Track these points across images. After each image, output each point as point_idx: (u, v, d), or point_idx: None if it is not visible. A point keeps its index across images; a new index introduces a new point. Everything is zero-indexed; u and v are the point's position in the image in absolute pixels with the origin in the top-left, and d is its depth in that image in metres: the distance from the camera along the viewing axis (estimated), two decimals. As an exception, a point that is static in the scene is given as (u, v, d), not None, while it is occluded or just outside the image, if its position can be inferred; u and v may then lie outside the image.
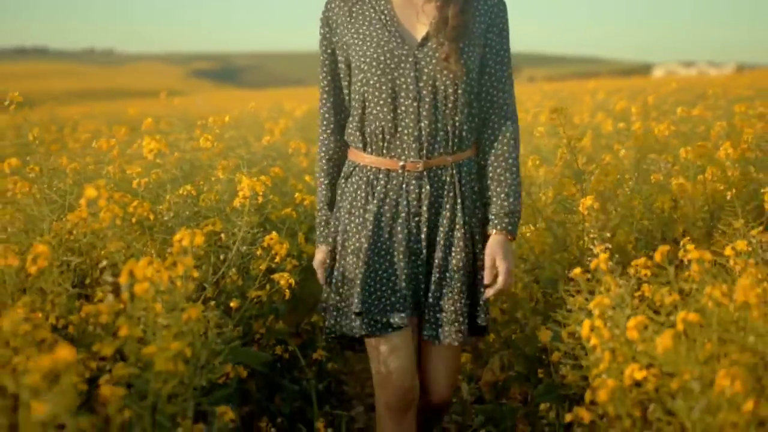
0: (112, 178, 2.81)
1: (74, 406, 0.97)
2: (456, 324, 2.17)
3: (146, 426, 1.00)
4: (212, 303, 2.14)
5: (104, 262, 1.94)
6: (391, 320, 2.16)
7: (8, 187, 2.35)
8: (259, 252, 2.54)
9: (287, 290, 2.48)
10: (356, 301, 2.15)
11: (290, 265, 2.67)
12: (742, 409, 1.27)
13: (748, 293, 1.62)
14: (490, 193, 2.22)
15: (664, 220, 2.78)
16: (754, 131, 3.55)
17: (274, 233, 2.53)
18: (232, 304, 2.41)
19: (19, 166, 2.62)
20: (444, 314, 2.17)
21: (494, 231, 2.21)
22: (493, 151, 2.22)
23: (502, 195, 2.21)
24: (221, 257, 2.44)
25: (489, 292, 2.20)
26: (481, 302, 2.23)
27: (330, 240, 2.29)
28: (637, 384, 1.65)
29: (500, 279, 2.19)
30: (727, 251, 2.02)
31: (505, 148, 2.22)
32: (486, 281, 2.20)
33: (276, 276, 2.48)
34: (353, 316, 2.16)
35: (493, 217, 2.22)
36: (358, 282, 2.15)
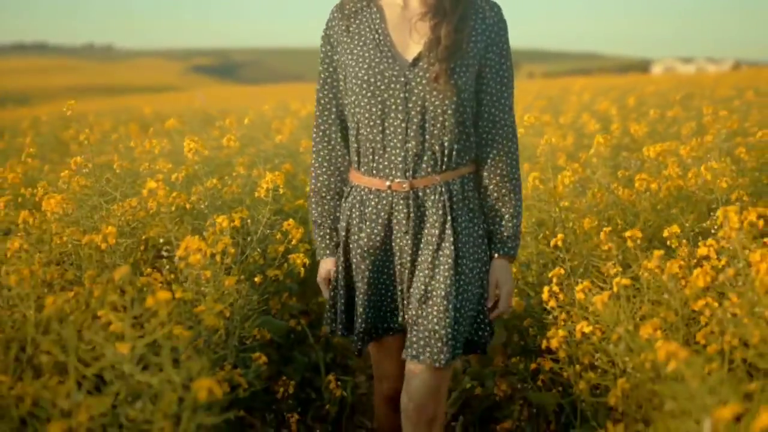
0: (153, 173, 3.24)
1: (169, 329, 1.40)
2: (439, 344, 2.12)
3: (204, 363, 1.39)
4: (242, 277, 2.56)
5: (161, 240, 2.38)
6: (389, 325, 2.25)
7: (66, 181, 2.80)
8: (278, 236, 2.99)
9: (302, 268, 2.91)
10: (361, 318, 2.21)
11: (303, 248, 3.09)
12: (655, 347, 1.69)
13: (674, 266, 2.06)
14: (492, 214, 2.23)
15: (628, 211, 3.20)
16: (717, 132, 4.00)
17: (290, 220, 2.97)
18: (256, 279, 2.85)
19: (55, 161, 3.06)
20: (426, 333, 2.14)
21: (496, 255, 2.23)
22: (493, 170, 2.22)
23: (506, 217, 2.23)
24: (247, 239, 2.87)
25: (493, 314, 2.24)
26: (478, 320, 2.23)
27: (329, 252, 2.33)
28: (587, 337, 2.09)
29: (501, 303, 2.23)
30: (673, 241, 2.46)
31: (507, 168, 2.22)
32: (488, 304, 2.23)
33: (293, 256, 2.92)
34: (357, 332, 2.23)
35: (496, 241, 2.23)
36: (362, 301, 2.21)
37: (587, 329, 2.05)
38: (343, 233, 2.25)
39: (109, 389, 1.44)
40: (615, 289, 1.96)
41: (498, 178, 2.22)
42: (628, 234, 2.33)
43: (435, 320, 2.12)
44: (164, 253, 2.31)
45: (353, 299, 2.26)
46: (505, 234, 2.23)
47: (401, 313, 2.21)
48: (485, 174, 2.23)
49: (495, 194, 2.23)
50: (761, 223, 2.04)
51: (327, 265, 2.33)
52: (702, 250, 2.16)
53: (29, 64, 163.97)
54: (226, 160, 4.01)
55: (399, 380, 2.31)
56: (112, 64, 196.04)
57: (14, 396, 1.44)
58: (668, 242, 2.47)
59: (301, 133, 5.92)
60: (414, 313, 2.16)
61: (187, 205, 2.82)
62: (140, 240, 2.64)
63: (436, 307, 2.13)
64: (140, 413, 1.37)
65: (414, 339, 2.15)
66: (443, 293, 2.12)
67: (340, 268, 2.26)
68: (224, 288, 2.21)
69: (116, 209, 2.68)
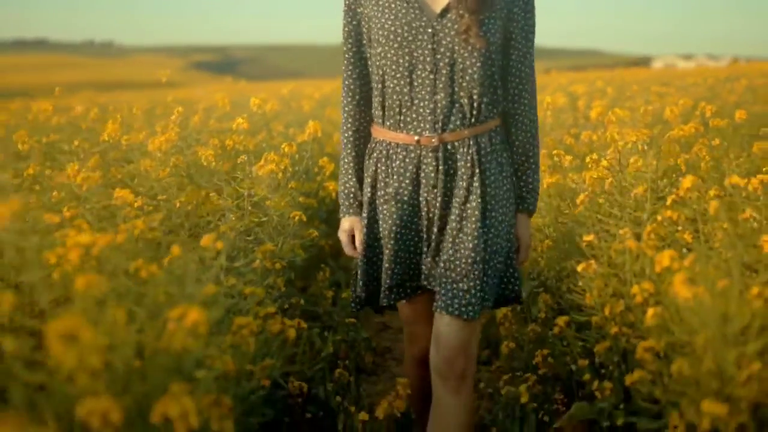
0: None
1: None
2: (467, 296, 2.11)
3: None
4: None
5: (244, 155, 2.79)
6: (418, 284, 2.22)
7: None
8: (315, 169, 3.83)
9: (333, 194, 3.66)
10: (387, 274, 2.19)
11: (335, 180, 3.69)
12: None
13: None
14: (516, 168, 2.24)
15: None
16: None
17: (325, 157, 3.65)
18: (300, 199, 3.44)
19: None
20: (458, 287, 2.12)
21: (517, 210, 2.25)
22: (520, 126, 2.22)
23: (528, 172, 2.24)
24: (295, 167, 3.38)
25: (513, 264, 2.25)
26: (507, 273, 2.22)
27: (353, 211, 2.29)
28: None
29: (523, 253, 2.26)
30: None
31: (529, 122, 2.22)
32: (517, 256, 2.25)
33: (326, 184, 3.54)
34: (384, 288, 2.21)
35: (517, 196, 2.24)
36: (388, 256, 2.19)
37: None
38: (369, 189, 2.22)
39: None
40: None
41: (523, 134, 2.21)
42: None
43: (463, 272, 2.10)
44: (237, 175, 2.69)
45: (376, 262, 2.23)
46: (525, 190, 2.23)
47: (429, 269, 2.18)
48: (512, 130, 2.22)
49: (520, 150, 2.22)
50: None
51: (346, 224, 2.30)
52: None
53: (30, 61, 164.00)
54: (265, 123, 4.48)
55: (428, 337, 2.28)
56: (113, 60, 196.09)
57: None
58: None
59: (321, 111, 6.24)
60: (443, 266, 2.13)
61: (252, 146, 3.39)
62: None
63: (464, 260, 2.11)
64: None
65: (443, 292, 2.13)
66: (471, 245, 2.10)
67: (364, 229, 2.23)
68: (285, 211, 2.45)
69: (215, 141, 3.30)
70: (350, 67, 2.24)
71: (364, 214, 2.22)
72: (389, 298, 2.21)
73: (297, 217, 2.61)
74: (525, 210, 2.24)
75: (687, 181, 2.17)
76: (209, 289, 1.35)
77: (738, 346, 1.47)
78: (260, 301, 1.94)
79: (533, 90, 2.23)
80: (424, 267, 2.17)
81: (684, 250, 2.09)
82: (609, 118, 3.34)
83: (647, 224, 2.28)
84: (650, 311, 1.59)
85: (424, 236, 2.17)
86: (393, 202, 2.16)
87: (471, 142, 2.13)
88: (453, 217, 2.13)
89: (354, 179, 2.27)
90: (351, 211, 2.28)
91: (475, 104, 2.13)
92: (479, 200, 2.12)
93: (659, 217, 2.20)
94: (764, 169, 2.80)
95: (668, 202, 2.20)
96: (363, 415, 2.43)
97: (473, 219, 2.12)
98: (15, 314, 1.19)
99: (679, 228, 2.11)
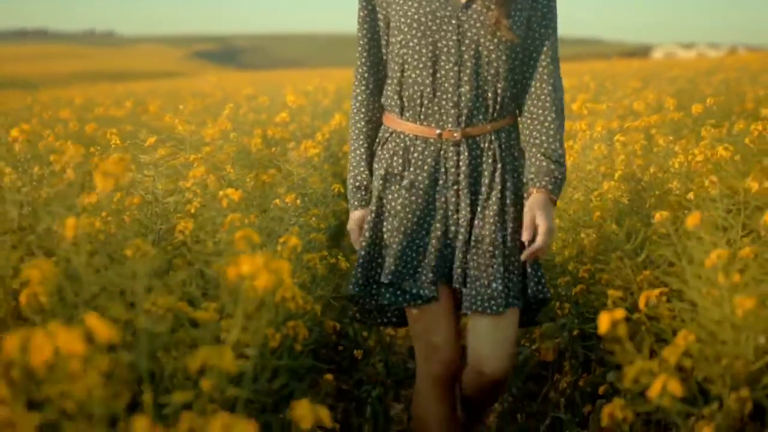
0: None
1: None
2: (494, 292, 2.05)
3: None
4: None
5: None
6: (421, 292, 2.08)
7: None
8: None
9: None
10: (389, 270, 2.08)
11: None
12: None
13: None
14: (532, 151, 2.12)
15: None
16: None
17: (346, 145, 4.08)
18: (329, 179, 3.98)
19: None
20: (480, 283, 2.06)
21: (533, 189, 2.09)
22: (539, 117, 2.11)
23: (543, 159, 2.10)
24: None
25: (525, 253, 2.08)
26: (529, 271, 2.11)
27: (365, 203, 2.20)
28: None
29: (539, 238, 2.05)
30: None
31: (550, 116, 2.10)
32: (524, 239, 2.07)
33: None
34: (383, 286, 2.10)
35: (532, 176, 2.10)
36: (393, 251, 2.09)
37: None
38: (381, 182, 2.13)
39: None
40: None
41: (538, 123, 2.11)
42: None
43: (483, 268, 2.06)
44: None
45: (385, 258, 2.12)
46: (541, 170, 2.09)
47: (435, 278, 2.08)
48: (527, 120, 2.13)
49: (538, 138, 2.11)
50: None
51: (355, 217, 2.21)
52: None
53: (31, 51, 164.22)
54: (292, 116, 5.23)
55: (446, 349, 2.13)
56: (114, 50, 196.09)
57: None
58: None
59: (339, 104, 7.03)
60: (470, 264, 2.08)
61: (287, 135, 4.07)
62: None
63: (484, 256, 2.07)
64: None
65: (467, 292, 2.08)
66: (489, 240, 2.07)
67: (371, 222, 2.15)
68: (325, 186, 3.17)
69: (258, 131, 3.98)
70: (364, 54, 2.18)
71: (372, 207, 2.14)
72: (393, 296, 2.09)
73: (336, 189, 3.29)
74: (542, 188, 2.08)
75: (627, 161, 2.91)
76: (294, 233, 2.08)
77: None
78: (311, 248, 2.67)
79: (551, 79, 2.11)
80: (437, 268, 2.08)
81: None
82: (582, 111, 4.05)
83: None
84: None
85: (440, 234, 2.09)
86: (407, 195, 2.09)
87: (493, 137, 2.10)
88: (477, 213, 2.09)
89: (366, 171, 2.20)
90: (364, 203, 2.20)
91: (499, 98, 2.08)
92: (499, 195, 2.09)
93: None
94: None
95: (615, 176, 2.92)
96: (389, 330, 3.10)
97: (491, 214, 2.08)
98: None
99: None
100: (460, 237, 2.08)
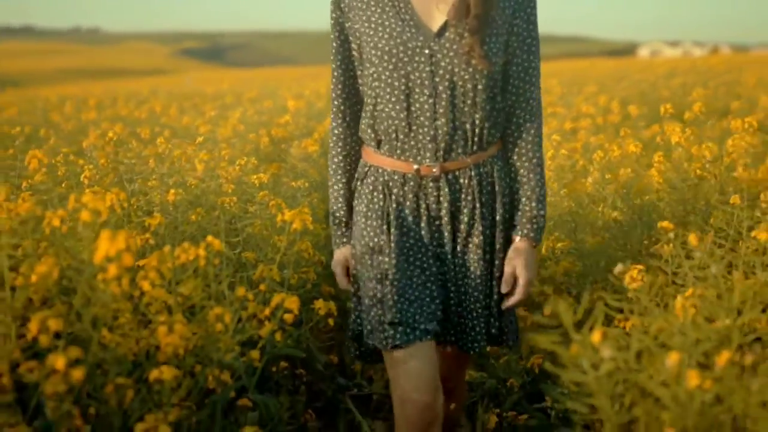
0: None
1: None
2: (477, 335, 2.05)
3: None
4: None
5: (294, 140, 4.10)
6: (426, 327, 2.00)
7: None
8: None
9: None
10: (396, 308, 1.98)
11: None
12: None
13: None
14: (514, 194, 2.07)
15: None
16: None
17: None
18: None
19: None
20: (461, 321, 2.06)
21: (516, 237, 2.05)
22: (516, 149, 2.06)
23: (523, 199, 2.05)
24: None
25: (506, 303, 2.05)
26: (495, 312, 2.08)
27: (346, 240, 2.15)
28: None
29: (518, 290, 2.03)
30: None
31: (529, 146, 2.05)
32: (503, 290, 2.04)
33: None
34: (387, 326, 1.99)
35: (516, 223, 2.06)
36: (396, 289, 1.99)
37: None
38: (363, 219, 2.06)
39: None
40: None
41: (516, 156, 2.07)
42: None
43: (469, 308, 2.05)
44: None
45: (383, 297, 2.01)
46: (525, 217, 2.05)
47: (434, 314, 2.01)
48: (508, 152, 2.08)
49: (516, 174, 2.07)
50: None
51: (340, 253, 2.16)
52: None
53: (17, 48, 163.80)
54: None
55: (428, 391, 2.00)
56: (100, 47, 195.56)
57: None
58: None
59: (330, 106, 7.98)
60: (454, 300, 2.05)
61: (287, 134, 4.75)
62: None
63: (468, 295, 2.04)
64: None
65: (450, 328, 2.07)
66: (473, 283, 2.04)
67: (359, 260, 2.07)
68: (324, 176, 3.93)
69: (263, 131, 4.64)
70: (339, 86, 2.11)
71: (356, 245, 2.07)
72: (403, 334, 1.98)
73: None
74: (524, 237, 2.05)
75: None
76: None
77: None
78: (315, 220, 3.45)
79: (533, 108, 2.06)
80: (430, 304, 2.01)
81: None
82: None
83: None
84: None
85: (433, 270, 2.03)
86: (396, 233, 2.02)
87: (473, 172, 2.03)
88: (457, 250, 2.04)
89: (344, 207, 2.14)
90: (345, 239, 2.15)
91: (478, 129, 2.01)
92: (481, 236, 2.04)
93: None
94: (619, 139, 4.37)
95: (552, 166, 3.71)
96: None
97: (475, 253, 2.04)
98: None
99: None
100: (448, 275, 2.04)
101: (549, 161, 3.74)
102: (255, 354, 1.88)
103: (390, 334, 1.97)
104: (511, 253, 2.04)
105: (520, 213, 2.05)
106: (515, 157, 2.06)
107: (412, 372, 1.98)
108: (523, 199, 2.05)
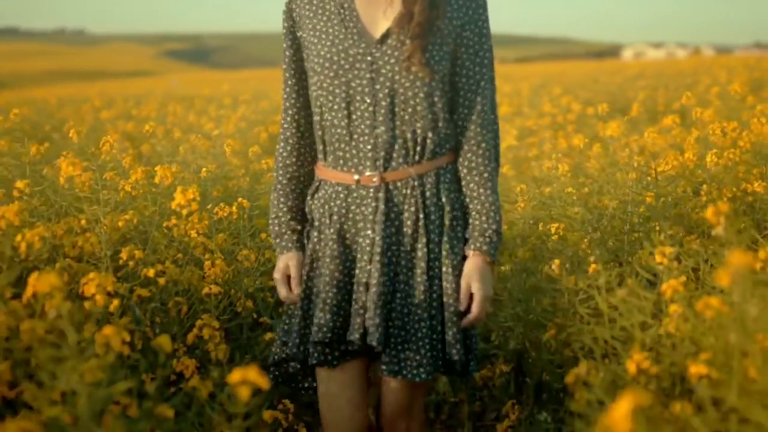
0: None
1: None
2: (416, 358, 1.94)
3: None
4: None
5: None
6: (349, 347, 1.96)
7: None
8: None
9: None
10: (325, 326, 1.93)
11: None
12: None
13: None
14: (466, 210, 2.01)
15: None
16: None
17: None
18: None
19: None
20: (404, 346, 1.94)
21: (469, 252, 1.98)
22: (467, 163, 2.00)
23: (474, 213, 1.99)
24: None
25: (464, 321, 1.96)
26: (451, 334, 1.96)
27: (288, 245, 2.05)
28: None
29: (474, 307, 1.95)
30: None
31: (480, 160, 1.99)
32: (461, 308, 1.95)
33: None
34: (315, 344, 1.95)
35: (468, 236, 1.99)
36: (328, 306, 1.94)
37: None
38: (316, 233, 2.01)
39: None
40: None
41: (466, 170, 2.00)
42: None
43: (412, 331, 1.94)
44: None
45: (316, 313, 1.95)
46: (476, 231, 1.98)
47: (363, 326, 1.93)
48: (463, 168, 2.01)
49: (467, 188, 2.01)
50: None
51: (287, 260, 2.05)
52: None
53: (2, 49, 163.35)
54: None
55: (354, 416, 2.01)
56: (85, 48, 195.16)
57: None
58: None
59: None
60: (393, 323, 1.94)
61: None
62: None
63: (411, 317, 1.95)
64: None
65: (390, 353, 1.95)
66: (417, 301, 1.95)
67: (305, 270, 2.01)
68: None
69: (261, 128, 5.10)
70: (293, 95, 2.06)
71: (307, 261, 2.01)
72: (321, 356, 1.96)
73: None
74: (478, 251, 1.97)
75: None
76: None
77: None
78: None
79: (485, 122, 2.01)
80: (357, 322, 1.93)
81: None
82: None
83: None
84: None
85: (362, 287, 1.93)
86: (335, 247, 1.95)
87: (416, 183, 1.96)
88: (400, 268, 1.96)
89: (284, 210, 2.07)
90: (286, 245, 2.06)
91: (419, 139, 1.96)
92: (425, 249, 1.95)
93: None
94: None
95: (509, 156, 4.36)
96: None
97: (419, 272, 1.95)
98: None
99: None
100: (374, 290, 1.91)
101: (508, 152, 4.38)
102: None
103: (318, 350, 1.95)
104: (465, 268, 1.97)
105: (470, 227, 1.99)
106: (465, 171, 2.01)
107: (338, 392, 1.98)
108: (474, 213, 2.00)
